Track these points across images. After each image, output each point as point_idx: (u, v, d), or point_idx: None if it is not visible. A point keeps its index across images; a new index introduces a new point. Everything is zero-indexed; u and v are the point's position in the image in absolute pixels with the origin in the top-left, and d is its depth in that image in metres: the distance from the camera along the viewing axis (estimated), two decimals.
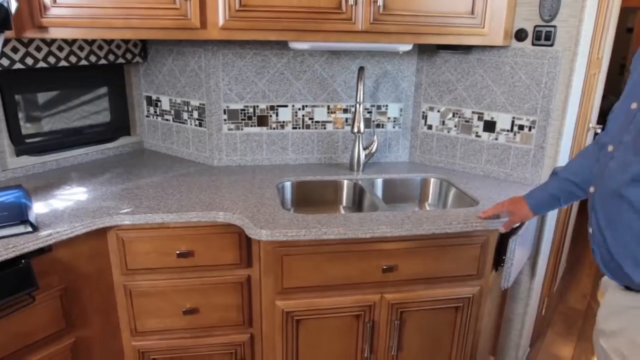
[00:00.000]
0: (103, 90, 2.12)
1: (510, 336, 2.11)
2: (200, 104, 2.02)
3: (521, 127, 1.88)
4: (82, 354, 1.56)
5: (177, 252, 1.57)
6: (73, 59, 1.92)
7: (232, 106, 1.99)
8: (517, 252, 1.62)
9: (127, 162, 2.09)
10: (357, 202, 1.91)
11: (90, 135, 2.12)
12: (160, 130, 2.22)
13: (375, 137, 1.99)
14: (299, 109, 2.03)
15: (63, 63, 1.89)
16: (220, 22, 1.57)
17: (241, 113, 2.00)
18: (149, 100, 2.21)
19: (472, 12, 1.69)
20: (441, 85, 2.02)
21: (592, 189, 1.16)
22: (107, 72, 2.10)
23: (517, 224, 1.56)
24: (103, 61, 2.01)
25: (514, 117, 1.88)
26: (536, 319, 2.28)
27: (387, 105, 2.08)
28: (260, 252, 1.52)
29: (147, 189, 1.76)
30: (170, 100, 2.13)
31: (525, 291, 2.01)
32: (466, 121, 1.99)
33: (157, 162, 2.10)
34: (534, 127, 1.84)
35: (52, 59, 1.85)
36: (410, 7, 1.64)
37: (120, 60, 2.07)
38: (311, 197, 1.94)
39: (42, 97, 1.93)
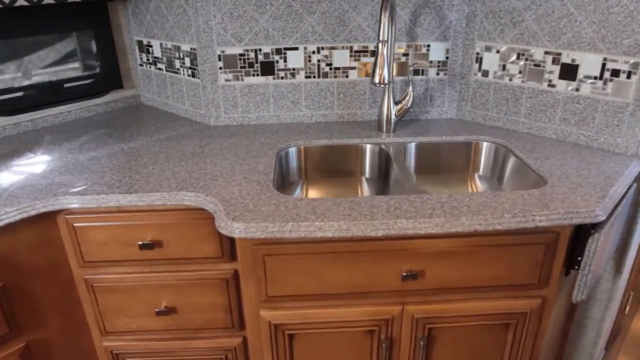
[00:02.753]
0: (85, 35, 1.77)
1: (581, 344, 1.64)
2: (191, 49, 1.62)
3: (615, 73, 1.33)
4: (39, 358, 1.29)
5: (140, 242, 1.23)
6: None
7: (228, 50, 1.57)
8: (600, 253, 1.15)
9: (114, 122, 1.75)
10: (384, 173, 1.47)
11: (73, 89, 1.80)
12: (154, 82, 1.85)
13: (410, 88, 1.52)
14: (313, 53, 1.58)
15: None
16: None
17: (240, 59, 1.58)
18: (141, 46, 1.84)
19: None
20: (503, 16, 1.48)
21: None
22: (88, 12, 1.74)
23: (603, 217, 1.07)
24: None
25: (605, 59, 1.34)
26: (616, 319, 1.79)
27: (428, 46, 1.58)
28: (237, 248, 1.15)
29: (119, 157, 1.42)
30: (161, 45, 1.74)
31: (605, 291, 1.52)
32: (536, 65, 1.46)
33: (149, 120, 1.74)
34: (634, 73, 1.30)
35: None
36: None
37: None
38: (325, 167, 1.52)
39: (11, 45, 1.60)
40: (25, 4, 1.54)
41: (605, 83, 1.36)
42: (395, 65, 1.60)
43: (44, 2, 1.58)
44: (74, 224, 1.23)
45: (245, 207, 1.10)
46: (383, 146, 1.47)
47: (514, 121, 1.56)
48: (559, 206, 1.08)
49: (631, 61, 1.30)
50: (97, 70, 1.84)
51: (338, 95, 1.63)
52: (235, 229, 1.04)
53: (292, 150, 1.49)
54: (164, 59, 1.75)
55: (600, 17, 1.32)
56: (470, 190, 1.53)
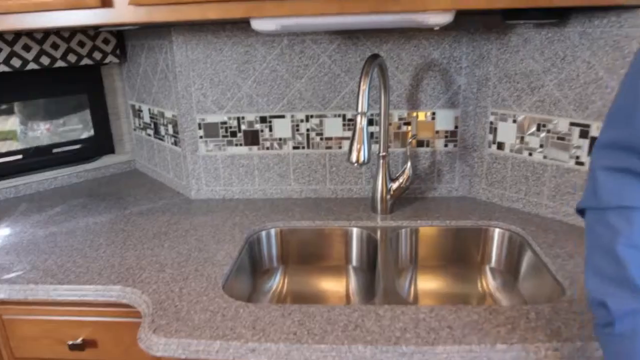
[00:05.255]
0: (77, 99, 1.70)
1: None
2: (172, 116, 1.49)
3: None
4: None
5: (70, 342, 1.06)
6: (43, 60, 1.50)
7: (209, 118, 1.43)
8: None
9: (98, 190, 1.64)
10: (372, 263, 1.24)
11: (62, 154, 1.71)
12: (145, 148, 1.74)
13: (409, 164, 1.30)
14: (302, 121, 1.40)
15: (32, 66, 1.51)
16: None
17: (222, 127, 1.43)
18: (134, 110, 1.74)
19: None
20: (519, 80, 1.25)
21: None
22: (81, 76, 1.67)
23: None
24: (61, 63, 1.57)
25: None
26: None
27: (434, 113, 1.37)
28: None
29: (78, 235, 1.28)
30: (149, 110, 1.64)
31: None
32: (560, 138, 1.21)
33: (134, 190, 1.62)
34: None
35: (16, 62, 1.47)
36: None
37: (86, 62, 1.61)
38: (307, 252, 1.31)
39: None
40: (16, 67, 1.48)
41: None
42: (394, 136, 1.39)
43: (29, 68, 1.52)
44: (3, 316, 1.08)
45: (177, 314, 0.91)
46: (371, 232, 1.25)
47: (535, 203, 1.29)
48: (574, 335, 0.81)
49: None
50: (89, 134, 1.75)
51: (330, 169, 1.44)
52: (154, 345, 0.84)
53: (270, 233, 1.29)
54: (152, 125, 1.64)
55: None
56: (480, 287, 1.27)
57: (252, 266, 1.25)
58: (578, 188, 1.20)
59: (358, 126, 1.04)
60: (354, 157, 1.06)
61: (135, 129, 1.78)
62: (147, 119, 1.66)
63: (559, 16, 1.10)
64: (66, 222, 1.38)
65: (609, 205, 0.63)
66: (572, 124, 1.18)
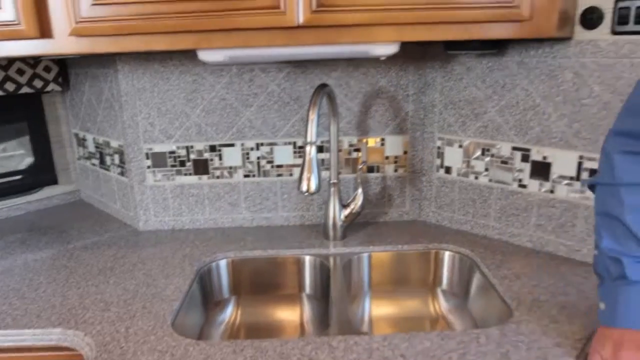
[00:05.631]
0: (17, 127, 1.63)
1: None
2: (119, 146, 1.45)
3: (595, 174, 1.11)
4: None
5: None
6: None
7: (157, 148, 1.39)
8: None
9: (40, 223, 1.57)
10: (326, 291, 1.23)
11: (1, 186, 1.62)
12: (91, 178, 1.68)
13: (360, 191, 1.31)
14: (252, 149, 1.39)
15: None
16: (67, 24, 0.98)
17: (170, 157, 1.40)
18: (78, 139, 1.69)
19: None
20: (463, 107, 1.30)
21: None
22: (22, 104, 1.60)
23: None
24: None
25: (581, 157, 1.13)
26: None
27: (383, 139, 1.39)
28: None
29: (16, 273, 1.21)
30: (94, 139, 1.58)
31: None
32: (503, 162, 1.25)
33: (78, 222, 1.55)
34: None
35: None
36: None
37: (26, 90, 1.55)
38: (261, 282, 1.29)
39: None
40: None
41: (583, 185, 1.14)
42: (344, 162, 1.40)
43: None
44: None
45: (122, 356, 0.87)
46: (324, 260, 1.24)
47: (483, 225, 1.33)
48: (522, 358, 0.82)
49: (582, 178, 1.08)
50: (30, 164, 1.68)
51: (282, 196, 1.43)
52: None
53: (221, 264, 1.27)
54: (98, 155, 1.59)
55: (572, 109, 1.12)
56: (432, 309, 1.28)
57: (204, 299, 1.22)
58: (521, 209, 1.25)
59: (307, 156, 1.05)
60: (304, 187, 1.06)
61: (79, 159, 1.72)
62: (92, 149, 1.61)
63: (497, 47, 1.15)
64: (2, 260, 1.30)
65: (622, 181, 0.76)
66: (514, 148, 1.23)
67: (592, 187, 0.84)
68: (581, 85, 1.09)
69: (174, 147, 1.40)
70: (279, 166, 1.41)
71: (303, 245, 1.31)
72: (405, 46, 1.24)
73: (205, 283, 1.23)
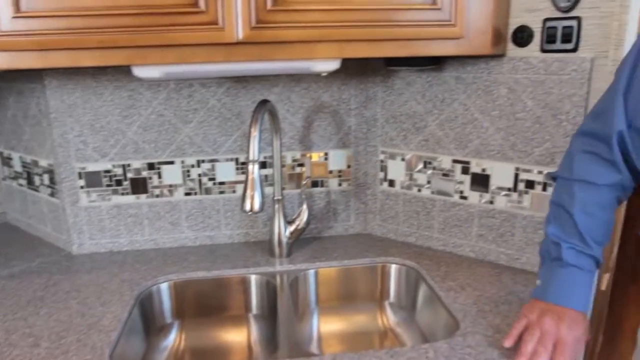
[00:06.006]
0: None
1: None
2: (48, 165, 1.36)
3: (530, 185, 1.16)
4: None
5: None
6: None
7: (91, 167, 1.32)
8: None
9: None
10: (273, 310, 1.20)
11: None
12: (17, 199, 1.57)
13: (304, 206, 1.30)
14: (192, 166, 1.35)
15: None
16: None
17: (105, 176, 1.33)
18: (3, 158, 1.57)
19: (434, 1, 0.99)
20: (405, 121, 1.31)
21: None
22: None
23: None
24: None
25: (518, 169, 1.17)
26: None
27: (327, 154, 1.39)
28: None
29: None
30: (20, 158, 1.48)
31: None
32: (444, 174, 1.28)
33: (2, 248, 1.44)
34: (550, 185, 1.13)
35: None
36: None
37: None
38: (205, 304, 1.25)
39: None
40: None
41: (520, 195, 1.18)
42: (288, 178, 1.38)
43: None
44: None
45: None
46: (270, 278, 1.22)
47: (427, 237, 1.35)
48: None
49: (545, 171, 1.13)
50: None
51: (225, 214, 1.39)
52: None
53: (162, 288, 1.21)
54: (24, 174, 1.49)
55: (507, 123, 1.16)
56: (381, 323, 1.28)
57: (145, 325, 1.16)
58: (463, 220, 1.28)
59: (250, 175, 1.02)
60: (247, 206, 1.03)
61: (4, 179, 1.60)
62: (18, 168, 1.51)
63: (436, 63, 1.18)
64: None
65: (577, 177, 0.83)
66: (454, 161, 1.26)
67: (554, 178, 0.91)
68: (515, 100, 1.13)
69: (109, 166, 1.33)
70: (222, 183, 1.37)
71: (248, 263, 1.27)
72: (347, 61, 1.24)
73: (146, 308, 1.18)
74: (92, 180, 1.33)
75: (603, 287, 1.63)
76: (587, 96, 1.06)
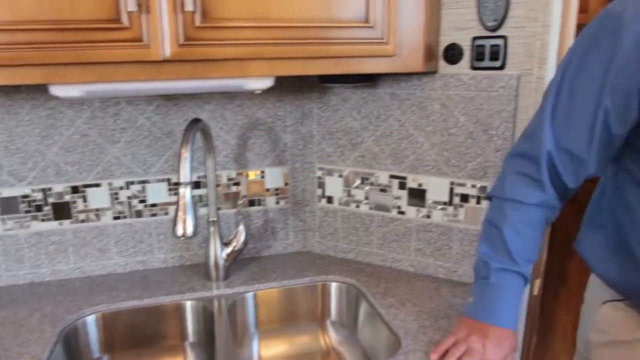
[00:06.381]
0: None
1: None
2: None
3: (465, 198, 1.18)
4: None
5: None
6: None
7: (6, 192, 1.22)
8: None
9: None
10: (210, 337, 1.15)
11: None
12: None
13: (241, 227, 1.25)
14: (121, 188, 1.28)
15: None
16: None
17: (23, 202, 1.23)
18: None
19: (367, 19, 0.99)
20: (341, 137, 1.31)
21: None
22: None
23: None
24: None
25: (452, 183, 1.19)
26: None
27: (263, 172, 1.36)
28: None
29: None
30: None
31: None
32: (382, 190, 1.28)
33: None
34: (485, 199, 1.15)
35: None
36: (253, 12, 0.93)
37: None
38: (138, 334, 1.17)
39: None
40: None
41: (456, 209, 1.20)
42: (224, 197, 1.34)
43: None
44: None
45: None
46: (207, 303, 1.17)
47: (366, 253, 1.34)
48: None
49: (478, 185, 1.16)
50: None
51: (158, 237, 1.32)
52: None
53: (88, 321, 1.13)
54: None
55: (441, 138, 1.18)
56: (323, 343, 1.26)
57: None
58: (402, 235, 1.28)
59: (182, 198, 0.97)
60: (179, 231, 0.98)
61: None
62: None
63: (370, 79, 1.18)
64: None
65: (508, 197, 0.85)
66: (391, 176, 1.26)
67: (489, 198, 0.91)
68: (448, 116, 1.15)
69: (27, 191, 1.23)
70: (153, 205, 1.30)
71: (184, 289, 1.22)
72: (281, 78, 1.22)
73: (71, 345, 1.09)
74: (8, 206, 1.23)
75: (535, 292, 1.69)
76: (515, 112, 1.09)
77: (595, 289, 0.91)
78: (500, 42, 1.08)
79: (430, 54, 1.10)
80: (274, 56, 0.98)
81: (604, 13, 0.75)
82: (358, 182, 1.31)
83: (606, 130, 0.75)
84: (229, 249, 1.25)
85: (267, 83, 1.03)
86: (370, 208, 1.31)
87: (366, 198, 1.31)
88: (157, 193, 1.30)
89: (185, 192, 0.98)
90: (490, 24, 1.08)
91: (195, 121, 1.06)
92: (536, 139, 0.81)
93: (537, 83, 1.05)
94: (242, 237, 1.26)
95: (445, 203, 1.21)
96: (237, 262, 1.33)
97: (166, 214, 1.31)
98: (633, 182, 0.78)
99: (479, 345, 0.83)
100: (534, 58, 1.06)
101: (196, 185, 1.31)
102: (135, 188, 1.28)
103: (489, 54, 1.10)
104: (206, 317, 1.17)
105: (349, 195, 1.33)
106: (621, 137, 0.75)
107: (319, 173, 1.36)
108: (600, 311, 0.88)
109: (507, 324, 0.86)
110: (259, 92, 1.10)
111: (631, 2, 0.71)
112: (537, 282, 1.79)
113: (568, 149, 0.78)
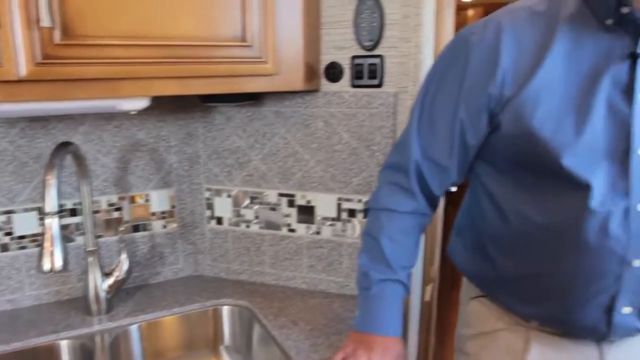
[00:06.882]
0: None
1: None
2: None
3: (352, 213, 1.20)
4: None
5: None
6: None
7: None
8: None
9: None
10: None
11: None
12: None
13: (124, 256, 1.18)
14: None
15: None
16: None
17: None
18: None
19: (244, 38, 0.98)
20: (228, 156, 1.28)
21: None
22: None
23: None
24: None
25: (340, 199, 1.21)
26: None
27: (148, 195, 1.29)
28: None
29: None
30: None
31: None
32: (272, 208, 1.27)
33: None
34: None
35: None
36: (124, 30, 0.88)
37: None
38: None
39: None
40: None
41: (344, 224, 1.22)
42: (105, 224, 1.25)
43: None
44: None
45: None
46: (87, 341, 1.08)
47: (259, 273, 1.32)
48: None
49: (364, 200, 1.19)
50: None
51: (28, 272, 1.21)
52: None
53: None
54: None
55: (326, 155, 1.19)
56: None
57: None
58: (293, 253, 1.28)
59: (47, 230, 0.89)
60: (46, 265, 0.90)
61: None
62: None
63: (254, 98, 1.17)
64: None
65: (382, 207, 0.87)
66: (280, 194, 1.26)
67: (367, 210, 0.93)
68: (332, 133, 1.17)
69: None
70: (22, 237, 1.19)
71: (59, 328, 1.11)
72: (161, 97, 1.18)
73: None
74: None
75: (427, 297, 1.77)
76: (394, 128, 1.14)
77: (465, 288, 0.97)
78: (377, 61, 1.12)
79: (311, 72, 1.12)
80: (149, 75, 0.94)
81: (457, 37, 0.81)
82: (247, 201, 1.29)
83: (462, 141, 0.81)
84: (110, 280, 1.17)
85: (142, 103, 0.98)
86: (261, 227, 1.29)
87: (256, 217, 1.29)
88: (25, 224, 1.18)
89: (52, 223, 0.90)
90: (367, 43, 1.12)
91: (64, 145, 0.98)
92: (405, 150, 0.85)
93: (412, 100, 1.10)
94: (125, 265, 1.18)
95: (333, 219, 1.22)
96: (121, 292, 1.25)
97: (37, 246, 1.20)
98: (485, 192, 0.84)
99: (364, 358, 0.84)
100: (409, 76, 1.11)
101: (72, 212, 1.22)
102: (0, 219, 1.16)
103: (367, 73, 1.13)
104: (85, 356, 1.08)
105: (238, 215, 1.30)
106: (475, 148, 0.81)
107: (207, 194, 1.32)
108: (468, 307, 0.94)
109: (392, 332, 0.87)
110: (134, 112, 1.04)
111: (478, 26, 0.78)
112: (429, 288, 1.88)
113: (433, 158, 0.83)
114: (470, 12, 4.83)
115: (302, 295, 1.26)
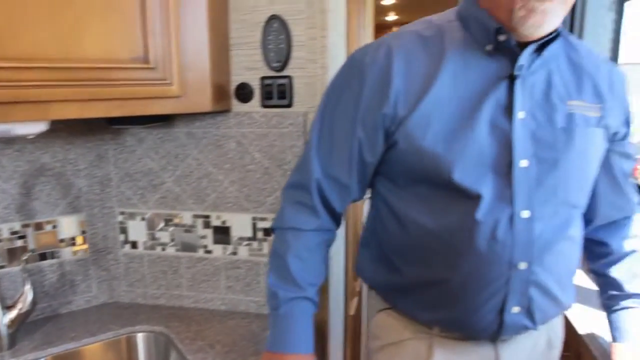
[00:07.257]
0: None
1: None
2: None
3: (267, 232, 1.21)
4: None
5: None
6: None
7: None
8: None
9: None
10: None
11: None
12: None
13: (27, 287, 1.12)
14: None
15: None
16: None
17: None
18: None
19: (147, 60, 0.97)
20: (140, 179, 1.25)
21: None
22: None
23: None
24: None
25: (255, 218, 1.21)
26: None
27: (55, 221, 1.24)
28: None
29: None
30: None
31: None
32: (187, 230, 1.25)
33: None
34: None
35: None
36: (15, 52, 0.85)
37: None
38: None
39: None
40: None
41: (260, 243, 1.22)
42: (7, 254, 1.19)
43: None
44: None
45: None
46: None
47: (177, 296, 1.30)
48: None
49: None
50: None
51: None
52: None
53: None
54: None
55: (239, 175, 1.20)
56: None
57: None
58: (211, 274, 1.26)
59: None
60: None
61: None
62: None
63: (163, 119, 1.16)
64: None
65: (288, 226, 0.88)
66: (195, 216, 1.24)
67: (273, 230, 0.92)
68: (244, 153, 1.18)
69: None
70: None
71: None
72: (65, 119, 1.14)
73: None
74: None
75: (351, 312, 1.79)
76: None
77: (370, 302, 1.00)
78: (285, 81, 1.14)
79: (220, 93, 1.12)
80: (45, 99, 0.90)
81: (351, 58, 0.84)
82: (162, 224, 1.26)
83: (361, 158, 0.84)
84: (12, 313, 1.10)
85: (39, 127, 0.95)
86: (177, 250, 1.27)
87: (172, 240, 1.27)
88: None
89: None
90: (275, 64, 1.14)
91: None
92: (306, 169, 0.87)
93: None
94: (28, 297, 1.12)
95: (249, 238, 1.22)
96: (26, 325, 1.18)
97: None
98: (385, 205, 0.87)
99: None
100: (317, 97, 1.14)
101: None
102: None
103: (277, 93, 1.15)
104: None
105: (153, 238, 1.28)
106: (374, 165, 0.84)
107: (120, 218, 1.29)
108: (374, 320, 0.96)
109: (304, 349, 0.88)
110: (32, 136, 1.00)
111: (370, 48, 0.81)
112: (354, 302, 1.91)
113: (333, 176, 0.85)
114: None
115: (221, 316, 1.24)
